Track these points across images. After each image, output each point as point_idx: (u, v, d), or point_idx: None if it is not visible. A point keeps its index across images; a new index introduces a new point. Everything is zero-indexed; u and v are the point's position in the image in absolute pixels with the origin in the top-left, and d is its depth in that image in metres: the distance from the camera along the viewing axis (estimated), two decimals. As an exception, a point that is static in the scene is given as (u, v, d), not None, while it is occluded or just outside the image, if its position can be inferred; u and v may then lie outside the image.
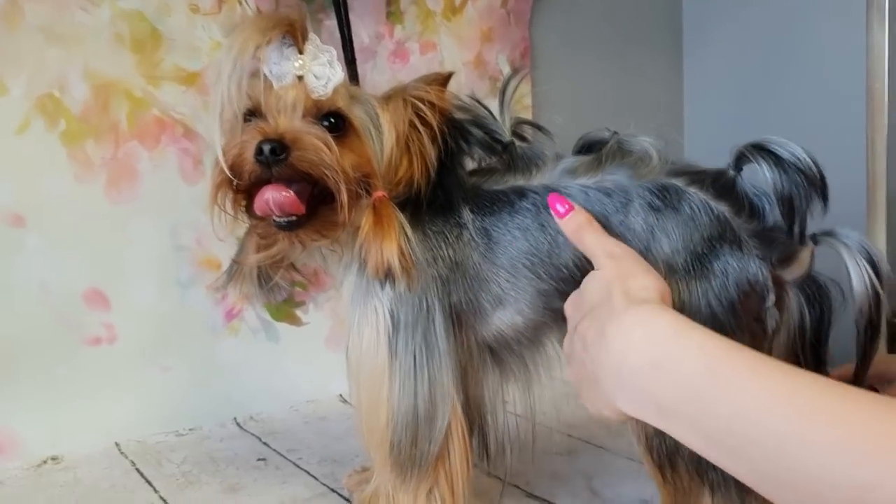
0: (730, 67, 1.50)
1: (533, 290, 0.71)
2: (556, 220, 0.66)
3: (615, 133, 0.73)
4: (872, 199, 1.11)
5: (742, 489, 0.62)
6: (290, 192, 0.65)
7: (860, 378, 0.71)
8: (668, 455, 0.66)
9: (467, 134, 0.74)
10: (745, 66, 1.47)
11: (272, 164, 0.64)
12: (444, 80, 0.73)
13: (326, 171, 0.66)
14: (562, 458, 0.93)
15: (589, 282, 0.62)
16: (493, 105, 0.77)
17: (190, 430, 1.05)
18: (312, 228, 0.68)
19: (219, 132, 0.67)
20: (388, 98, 0.71)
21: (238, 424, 1.07)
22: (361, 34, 1.13)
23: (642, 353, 0.52)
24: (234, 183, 0.67)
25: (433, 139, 0.71)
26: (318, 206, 0.68)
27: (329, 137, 0.66)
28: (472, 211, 0.72)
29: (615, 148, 0.71)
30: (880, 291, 0.63)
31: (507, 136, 0.76)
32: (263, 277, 0.74)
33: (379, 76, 1.17)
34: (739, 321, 0.63)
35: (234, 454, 0.97)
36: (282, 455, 0.96)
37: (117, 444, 1.00)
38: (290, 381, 1.13)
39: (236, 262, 0.74)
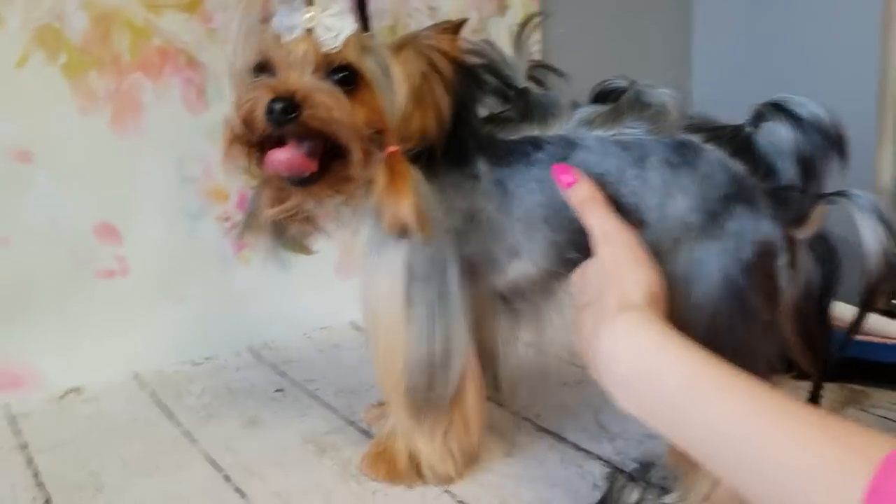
0: (739, 4, 1.44)
1: (547, 242, 0.71)
2: (561, 190, 0.66)
3: (633, 82, 0.71)
4: (883, 121, 1.09)
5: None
6: (300, 152, 0.65)
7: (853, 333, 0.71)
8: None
9: (481, 82, 0.73)
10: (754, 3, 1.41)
11: (283, 122, 0.63)
12: (456, 27, 0.70)
13: (338, 129, 0.65)
14: (571, 389, 0.95)
15: (590, 267, 0.63)
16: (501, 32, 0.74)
17: (206, 358, 1.07)
18: (326, 184, 0.68)
19: (231, 87, 0.66)
20: (399, 47, 0.69)
21: (253, 353, 1.10)
22: (366, -48, 1.08)
23: (627, 364, 0.55)
24: (247, 138, 0.66)
25: (446, 88, 0.69)
26: (330, 161, 0.67)
27: (340, 93, 0.65)
28: (487, 162, 0.71)
29: (633, 99, 0.70)
30: (892, 252, 0.63)
31: (521, 81, 0.75)
32: (279, 229, 0.74)
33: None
34: (752, 281, 0.64)
35: (252, 385, 0.99)
36: (298, 385, 0.98)
37: (136, 375, 1.02)
38: (302, 308, 1.14)
39: (251, 215, 0.74)
